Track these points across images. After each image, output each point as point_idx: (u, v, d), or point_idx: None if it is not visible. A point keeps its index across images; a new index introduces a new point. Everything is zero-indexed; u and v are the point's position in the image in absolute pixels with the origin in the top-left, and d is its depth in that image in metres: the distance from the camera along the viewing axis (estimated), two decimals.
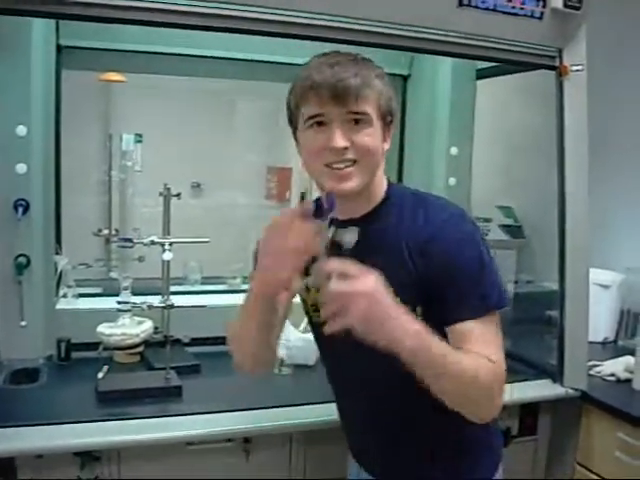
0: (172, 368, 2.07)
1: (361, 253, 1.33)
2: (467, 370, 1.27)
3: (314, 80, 1.32)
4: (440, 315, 1.35)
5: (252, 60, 2.66)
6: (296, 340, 2.29)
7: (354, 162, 1.34)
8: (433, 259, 1.35)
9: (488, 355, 1.34)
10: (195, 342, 2.37)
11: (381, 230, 1.41)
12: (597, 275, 2.58)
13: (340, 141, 1.31)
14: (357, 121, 1.33)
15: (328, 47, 1.94)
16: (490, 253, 1.41)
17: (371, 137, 1.35)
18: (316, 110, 1.32)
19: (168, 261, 2.08)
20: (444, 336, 1.32)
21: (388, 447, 1.52)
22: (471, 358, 1.30)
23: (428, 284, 1.35)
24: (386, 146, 1.42)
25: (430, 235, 1.36)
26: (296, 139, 1.44)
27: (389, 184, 1.48)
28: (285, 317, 1.54)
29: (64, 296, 2.46)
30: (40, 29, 2.15)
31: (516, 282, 3.22)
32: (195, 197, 3.30)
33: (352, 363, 1.46)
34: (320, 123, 1.33)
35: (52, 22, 2.25)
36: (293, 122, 1.42)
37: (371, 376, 1.45)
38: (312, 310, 1.54)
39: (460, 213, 1.42)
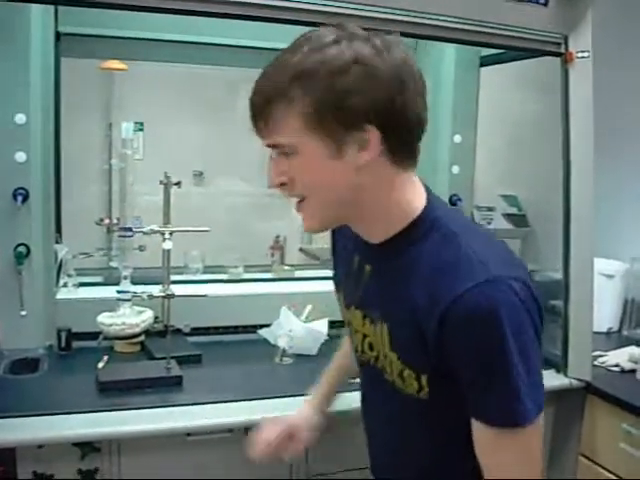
0: (173, 358, 2.06)
1: (378, 287, 1.17)
2: None
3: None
4: (453, 398, 1.09)
5: (255, 47, 2.63)
6: (298, 330, 2.28)
7: (303, 197, 1.08)
8: (444, 335, 1.02)
9: None
10: (196, 332, 2.36)
11: (402, 266, 1.11)
12: (601, 265, 2.57)
13: (272, 179, 1.07)
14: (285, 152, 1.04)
15: None
16: (530, 345, 1.02)
17: (303, 168, 1.04)
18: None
19: (168, 250, 2.07)
20: (457, 418, 1.10)
21: None
22: None
23: (438, 355, 1.05)
24: (365, 157, 1.03)
25: (445, 306, 1.01)
26: None
27: (428, 200, 1.13)
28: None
29: (64, 285, 2.45)
30: (38, 16, 2.13)
31: None
32: (197, 185, 3.28)
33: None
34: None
35: (51, 9, 2.23)
36: None
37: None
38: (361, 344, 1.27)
39: (494, 282, 0.99)
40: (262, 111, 1.02)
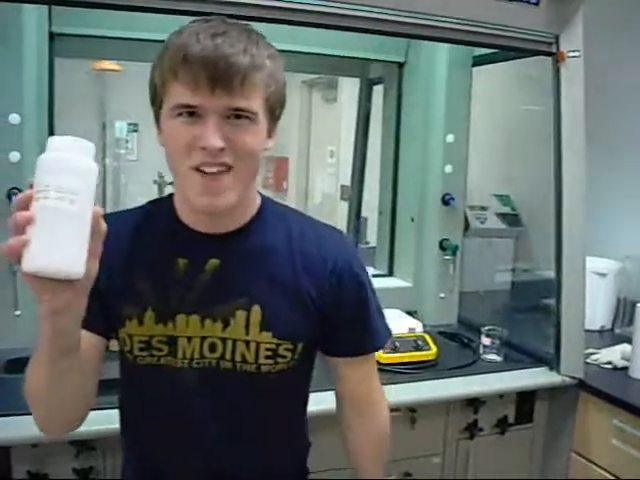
0: None
1: (232, 275, 1.18)
2: None
3: (189, 52, 1.02)
4: (334, 347, 1.31)
5: None
6: None
7: (229, 168, 1.07)
8: (344, 285, 1.23)
9: None
10: None
11: (266, 247, 1.21)
12: (594, 263, 2.58)
13: (216, 141, 1.04)
14: (239, 115, 1.06)
15: (327, 33, 1.95)
16: None
17: (255, 137, 1.09)
18: (187, 99, 1.04)
19: None
20: (305, 380, 1.35)
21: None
22: None
23: (333, 312, 1.24)
24: (270, 144, 1.16)
25: (337, 259, 1.23)
26: (158, 124, 1.14)
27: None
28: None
29: None
30: (32, 16, 2.13)
31: (513, 270, 3.23)
32: None
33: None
34: (191, 112, 1.05)
35: (44, 9, 2.22)
36: (156, 102, 1.12)
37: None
38: (140, 348, 1.20)
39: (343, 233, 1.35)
40: (245, 72, 1.04)
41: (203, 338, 1.19)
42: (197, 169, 1.06)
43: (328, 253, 1.23)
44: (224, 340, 1.19)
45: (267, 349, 1.19)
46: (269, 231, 1.22)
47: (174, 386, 1.22)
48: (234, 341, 1.18)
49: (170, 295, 1.18)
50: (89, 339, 1.16)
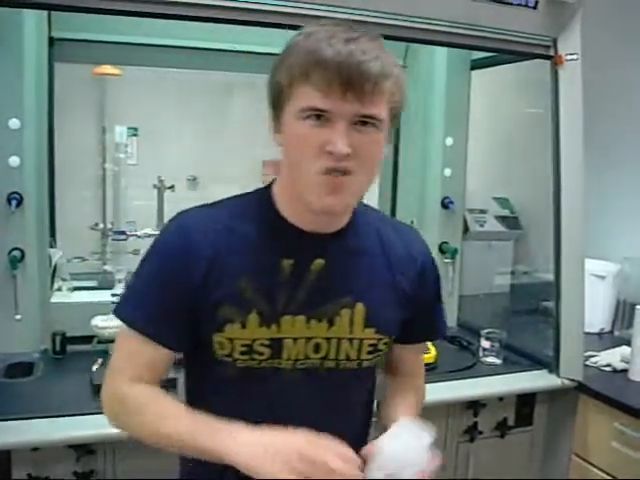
0: None
1: (336, 275, 1.19)
2: None
3: (322, 55, 1.02)
4: (407, 335, 1.32)
5: (248, 52, 2.64)
6: None
7: (351, 173, 1.07)
8: (427, 280, 1.30)
9: None
10: None
11: (362, 247, 1.23)
12: (593, 266, 2.58)
13: (344, 147, 1.03)
14: (365, 122, 1.05)
15: None
16: None
17: (378, 145, 1.10)
18: (317, 102, 1.03)
19: None
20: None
21: None
22: None
23: (415, 305, 1.28)
24: (387, 149, 1.16)
25: (422, 255, 1.29)
26: (276, 125, 1.13)
27: None
28: None
29: (59, 289, 2.45)
30: (32, 21, 2.14)
31: (512, 273, 3.23)
32: (191, 191, 3.29)
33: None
34: (319, 116, 1.04)
35: (44, 14, 2.23)
36: (279, 103, 1.10)
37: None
38: (241, 352, 1.16)
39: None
40: (376, 79, 1.03)
41: (308, 339, 1.18)
42: (328, 173, 1.06)
43: (414, 250, 1.29)
44: (329, 340, 1.19)
45: (370, 345, 1.22)
46: (362, 232, 1.24)
47: (274, 387, 1.20)
48: (339, 340, 1.20)
49: (276, 297, 1.16)
50: (168, 356, 1.22)
